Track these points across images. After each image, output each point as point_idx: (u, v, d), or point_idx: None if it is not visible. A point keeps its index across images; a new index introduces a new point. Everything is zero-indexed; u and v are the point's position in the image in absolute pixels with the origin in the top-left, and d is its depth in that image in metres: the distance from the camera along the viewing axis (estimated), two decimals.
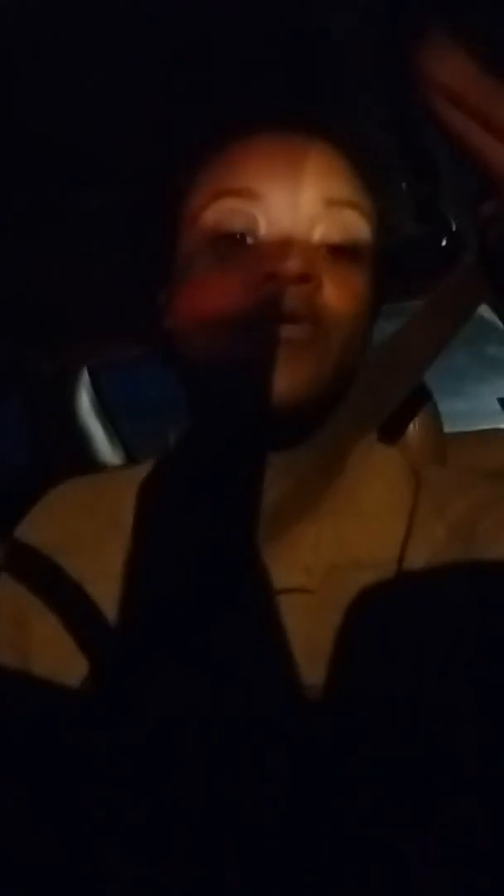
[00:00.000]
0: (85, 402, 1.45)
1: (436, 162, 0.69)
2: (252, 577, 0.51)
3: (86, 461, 1.44)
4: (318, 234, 0.52)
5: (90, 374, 1.45)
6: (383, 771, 0.45)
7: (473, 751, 0.45)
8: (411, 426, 0.73)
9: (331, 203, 0.52)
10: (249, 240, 0.52)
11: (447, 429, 0.92)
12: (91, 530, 0.59)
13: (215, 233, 0.52)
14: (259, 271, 0.50)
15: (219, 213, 0.52)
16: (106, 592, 0.55)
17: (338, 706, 0.47)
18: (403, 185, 0.71)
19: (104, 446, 1.48)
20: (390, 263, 0.58)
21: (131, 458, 1.53)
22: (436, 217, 0.78)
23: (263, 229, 0.52)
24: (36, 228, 0.87)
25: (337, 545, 0.53)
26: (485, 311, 0.62)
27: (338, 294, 0.51)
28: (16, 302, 1.07)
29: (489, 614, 0.47)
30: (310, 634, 0.49)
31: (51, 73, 0.64)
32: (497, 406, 1.40)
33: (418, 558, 0.50)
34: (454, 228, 0.78)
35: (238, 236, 0.52)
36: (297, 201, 0.51)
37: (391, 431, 0.66)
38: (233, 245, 0.52)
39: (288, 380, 0.50)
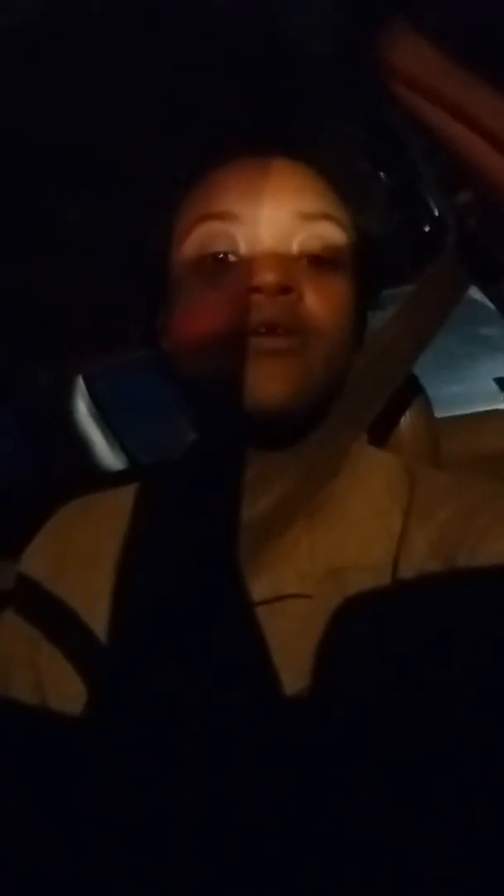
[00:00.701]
0: (82, 409, 1.45)
1: (411, 148, 0.69)
2: (240, 583, 0.51)
3: (88, 468, 1.44)
4: (296, 246, 0.54)
5: (85, 381, 1.45)
6: (379, 772, 0.46)
7: (471, 752, 0.45)
8: (402, 418, 0.73)
9: (306, 217, 0.54)
10: (232, 258, 0.54)
11: (445, 413, 0.91)
12: (90, 547, 0.60)
13: (200, 255, 0.54)
14: (242, 286, 0.52)
15: (203, 237, 0.54)
16: (102, 607, 0.55)
17: (335, 709, 0.48)
18: (381, 174, 0.71)
19: (105, 451, 1.48)
20: (378, 253, 0.59)
21: (133, 462, 1.53)
22: (416, 203, 0.78)
23: (244, 247, 0.54)
24: (31, 240, 0.88)
25: (333, 550, 0.53)
26: (474, 291, 0.62)
27: (319, 302, 0.53)
28: (13, 312, 1.07)
29: (479, 617, 0.47)
30: (309, 639, 0.49)
31: (50, 82, 0.65)
32: (494, 386, 1.39)
33: (412, 562, 0.51)
34: (436, 213, 0.78)
35: (221, 256, 0.54)
36: (273, 218, 0.53)
37: (381, 429, 0.66)
38: (217, 265, 0.54)
39: (276, 389, 0.51)
